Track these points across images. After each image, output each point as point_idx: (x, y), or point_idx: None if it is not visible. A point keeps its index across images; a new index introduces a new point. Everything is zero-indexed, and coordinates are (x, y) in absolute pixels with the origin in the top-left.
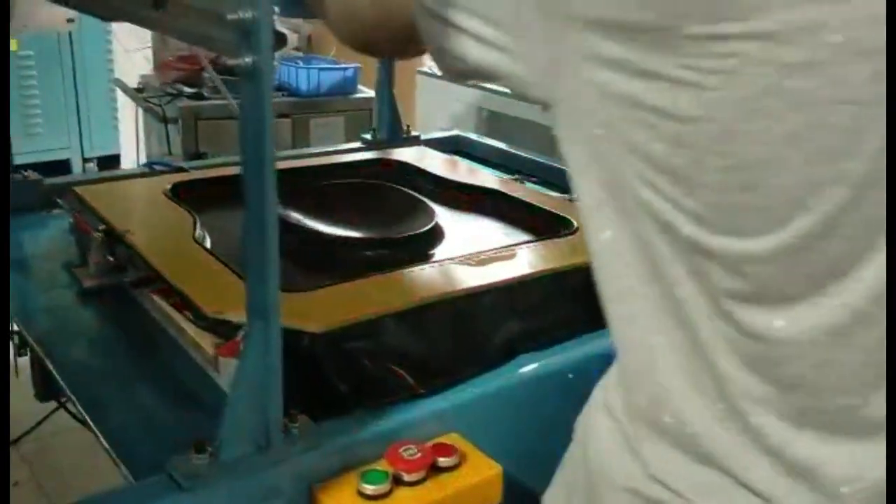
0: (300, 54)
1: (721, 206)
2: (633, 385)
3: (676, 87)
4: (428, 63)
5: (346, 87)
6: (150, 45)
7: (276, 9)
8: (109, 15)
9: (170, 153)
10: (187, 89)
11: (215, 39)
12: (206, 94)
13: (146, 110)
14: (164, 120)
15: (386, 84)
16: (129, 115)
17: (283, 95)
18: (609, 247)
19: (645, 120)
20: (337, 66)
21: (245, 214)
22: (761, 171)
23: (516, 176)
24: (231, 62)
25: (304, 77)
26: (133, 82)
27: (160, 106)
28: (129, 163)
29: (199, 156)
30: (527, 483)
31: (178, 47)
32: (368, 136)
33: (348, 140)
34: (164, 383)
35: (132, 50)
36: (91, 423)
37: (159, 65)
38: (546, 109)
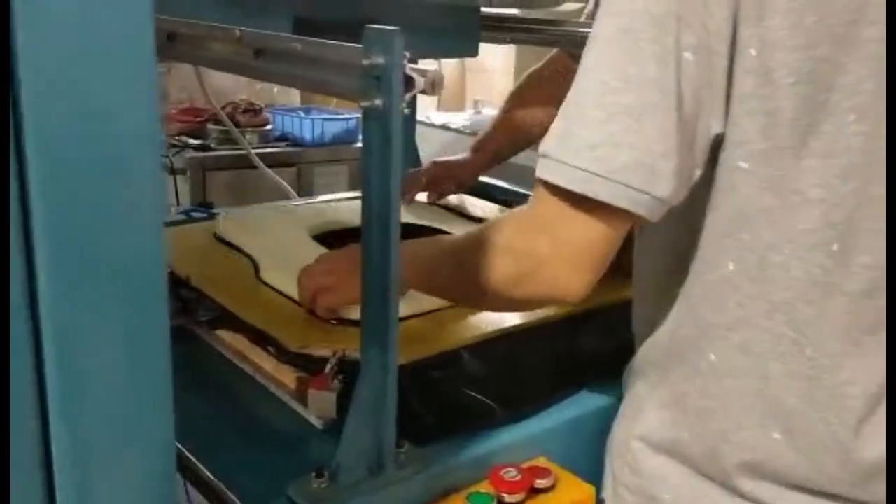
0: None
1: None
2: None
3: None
4: (426, 113)
5: (348, 137)
6: None
7: (406, 53)
8: (209, 65)
9: (177, 203)
10: (192, 141)
11: (337, 84)
12: (212, 145)
13: None
14: (173, 171)
15: (409, 132)
16: None
17: (286, 145)
18: (728, 279)
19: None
20: (339, 115)
21: (364, 245)
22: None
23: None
24: (362, 104)
25: (308, 127)
26: None
27: (168, 157)
28: None
29: (208, 205)
30: None
31: (178, 100)
32: None
33: (353, 188)
34: (246, 420)
35: None
36: (183, 457)
37: (162, 117)
38: None
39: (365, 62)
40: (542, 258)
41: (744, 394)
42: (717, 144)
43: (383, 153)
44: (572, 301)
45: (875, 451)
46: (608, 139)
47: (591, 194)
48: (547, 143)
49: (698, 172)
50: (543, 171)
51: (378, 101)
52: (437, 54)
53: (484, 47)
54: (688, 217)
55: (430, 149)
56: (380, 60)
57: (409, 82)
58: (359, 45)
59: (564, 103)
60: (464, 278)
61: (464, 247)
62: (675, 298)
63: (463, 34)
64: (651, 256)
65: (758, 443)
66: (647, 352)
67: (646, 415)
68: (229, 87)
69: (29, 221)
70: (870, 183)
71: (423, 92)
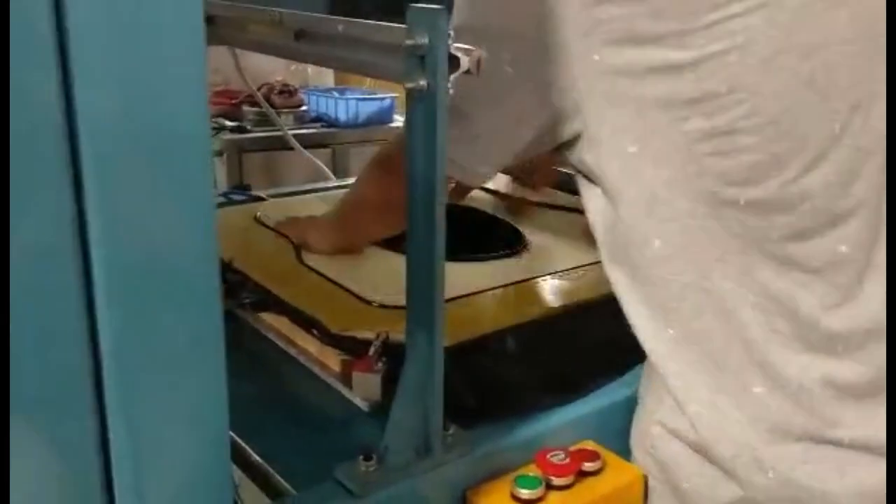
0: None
1: (763, 163)
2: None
3: (701, 73)
4: None
5: (383, 117)
6: None
7: (451, 33)
8: (249, 47)
9: (215, 185)
10: (228, 123)
11: (380, 65)
12: (248, 126)
13: None
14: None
15: None
16: None
17: (321, 126)
18: (659, 254)
19: (679, 115)
20: (374, 96)
21: (409, 232)
22: (790, 118)
23: None
24: (407, 85)
25: (343, 108)
26: None
27: None
28: None
29: (245, 187)
30: None
31: (213, 82)
32: None
33: None
34: (291, 402)
35: None
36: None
37: None
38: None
39: (409, 42)
40: None
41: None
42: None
43: (428, 135)
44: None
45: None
46: None
47: None
48: None
49: None
50: None
51: (423, 82)
52: None
53: None
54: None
55: None
56: (424, 41)
57: (453, 62)
58: (402, 26)
59: None
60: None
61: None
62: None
63: None
64: None
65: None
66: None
67: (664, 400)
68: (264, 68)
69: (83, 212)
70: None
71: (467, 72)
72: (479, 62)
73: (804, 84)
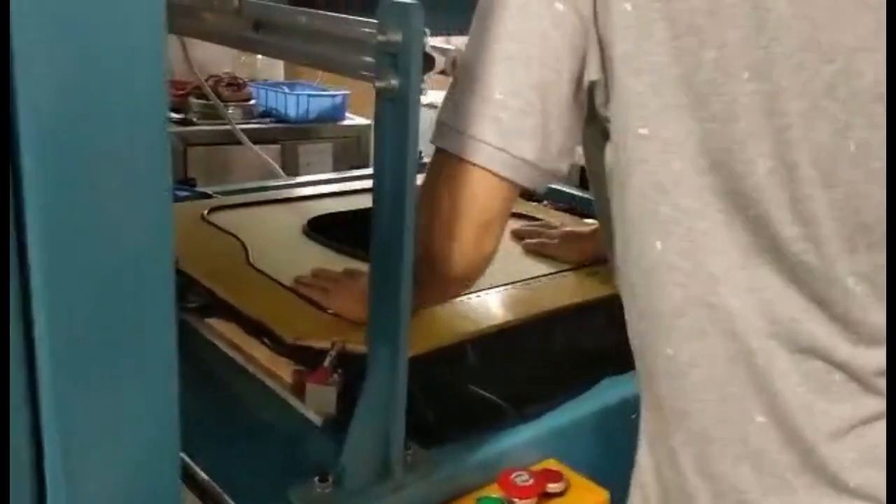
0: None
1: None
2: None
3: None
4: None
5: (334, 114)
6: None
7: (427, 30)
8: (204, 37)
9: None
10: (174, 115)
11: (347, 62)
12: (194, 119)
13: None
14: None
15: None
16: None
17: (271, 121)
18: (661, 258)
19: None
20: (325, 92)
21: (374, 239)
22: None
23: (545, 202)
24: (377, 85)
25: (293, 103)
26: None
27: None
28: None
29: (189, 182)
30: None
31: None
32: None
33: (337, 167)
34: (239, 415)
35: None
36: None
37: None
38: None
39: (380, 38)
40: (420, 224)
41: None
42: (604, 119)
43: (398, 139)
44: (453, 272)
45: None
46: (459, 92)
47: (446, 146)
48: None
49: (576, 139)
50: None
51: (394, 82)
52: (457, 31)
53: None
54: (604, 207)
55: (422, 128)
56: (397, 37)
57: (428, 61)
58: (373, 20)
59: None
60: None
61: None
62: (626, 295)
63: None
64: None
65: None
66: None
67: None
68: (211, 59)
69: (21, 203)
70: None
71: (442, 72)
72: (454, 62)
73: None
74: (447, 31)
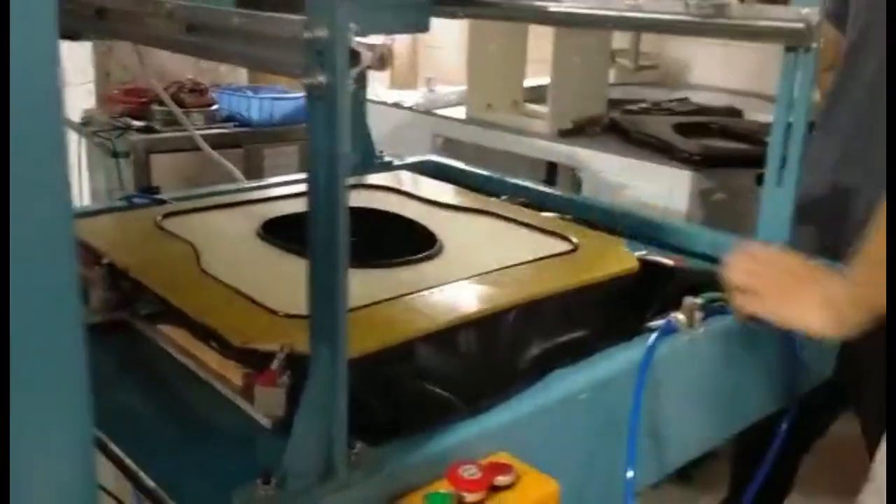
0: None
1: None
2: None
3: None
4: (377, 91)
5: (298, 116)
6: (92, 79)
7: (353, 26)
8: (144, 41)
9: (121, 188)
10: (135, 122)
11: (277, 60)
12: (157, 127)
13: (97, 144)
14: (115, 154)
15: (359, 111)
16: (70, 150)
17: (234, 126)
18: None
19: None
20: (288, 94)
21: (310, 238)
22: None
23: (504, 197)
24: (305, 82)
25: (256, 107)
26: (75, 116)
27: (110, 140)
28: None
29: (153, 189)
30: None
31: (122, 80)
32: None
33: (303, 169)
34: (190, 420)
35: (74, 84)
36: (125, 463)
37: (105, 98)
38: None
39: (307, 35)
40: None
41: None
42: None
43: (329, 134)
44: None
45: None
46: None
47: None
48: None
49: None
50: None
51: (321, 78)
52: (385, 29)
53: (436, 22)
54: None
55: (385, 128)
56: (322, 33)
57: (354, 57)
58: (301, 17)
59: None
60: None
61: None
62: None
63: (413, 7)
64: None
65: None
66: None
67: None
68: (175, 66)
69: None
70: None
71: (370, 67)
72: (381, 57)
73: None
74: (374, 31)
